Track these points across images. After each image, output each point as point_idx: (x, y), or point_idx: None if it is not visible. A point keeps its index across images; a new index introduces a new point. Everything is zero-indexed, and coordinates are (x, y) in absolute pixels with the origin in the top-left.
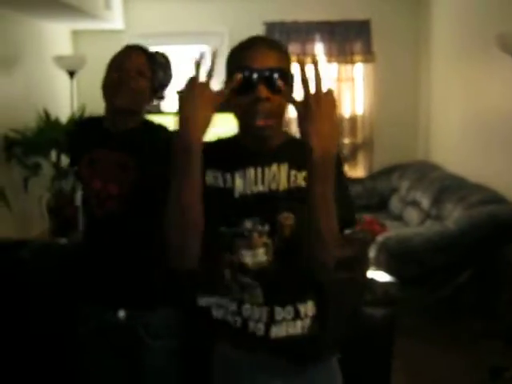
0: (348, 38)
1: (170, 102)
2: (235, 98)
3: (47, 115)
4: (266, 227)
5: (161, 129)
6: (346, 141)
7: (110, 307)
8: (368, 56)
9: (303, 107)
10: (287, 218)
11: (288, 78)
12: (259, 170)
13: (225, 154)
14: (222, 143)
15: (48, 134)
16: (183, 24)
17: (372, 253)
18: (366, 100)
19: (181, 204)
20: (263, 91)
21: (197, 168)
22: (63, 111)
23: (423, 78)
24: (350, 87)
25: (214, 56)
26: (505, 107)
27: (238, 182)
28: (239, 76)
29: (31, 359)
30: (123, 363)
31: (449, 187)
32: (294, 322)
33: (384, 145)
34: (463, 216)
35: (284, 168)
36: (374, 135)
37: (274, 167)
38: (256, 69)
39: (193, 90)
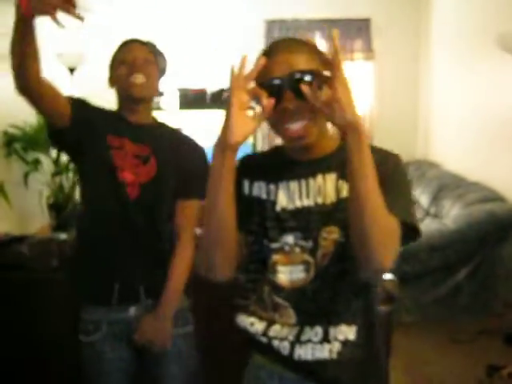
0: (348, 35)
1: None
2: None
3: None
4: (310, 244)
5: (175, 131)
6: None
7: (125, 303)
8: (368, 54)
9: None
10: (332, 232)
11: (318, 79)
12: (303, 182)
13: (271, 164)
14: (269, 153)
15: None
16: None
17: None
18: (366, 98)
19: (212, 204)
20: (290, 100)
21: (230, 170)
22: None
23: (423, 76)
24: (350, 85)
25: (244, 62)
26: (505, 106)
27: (281, 195)
28: (271, 101)
29: (30, 358)
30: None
31: (447, 185)
32: (321, 345)
33: (383, 143)
34: (462, 214)
35: (331, 179)
36: (374, 133)
37: (320, 178)
38: (279, 77)
39: (234, 94)
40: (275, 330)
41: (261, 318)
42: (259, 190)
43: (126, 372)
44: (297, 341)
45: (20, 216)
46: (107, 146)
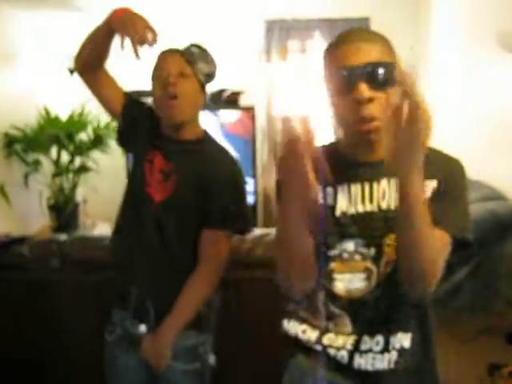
0: None
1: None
2: (334, 99)
3: (47, 112)
4: (372, 251)
5: (221, 153)
6: None
7: (137, 319)
8: None
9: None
10: (395, 239)
11: (393, 73)
12: (366, 185)
13: (330, 164)
14: (324, 151)
15: (48, 131)
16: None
17: None
18: None
19: (288, 239)
20: (365, 91)
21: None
22: (63, 108)
23: (422, 75)
24: None
25: (306, 122)
26: (505, 105)
27: (341, 199)
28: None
29: (30, 359)
30: (146, 372)
31: None
32: (381, 355)
33: None
34: None
35: (396, 183)
36: None
37: (384, 182)
38: (353, 66)
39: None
40: (329, 338)
41: (313, 326)
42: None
43: (133, 381)
44: (356, 350)
45: (20, 217)
46: (143, 157)
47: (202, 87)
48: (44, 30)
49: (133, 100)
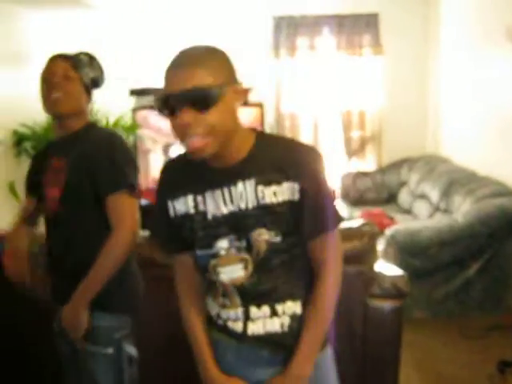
0: (357, 31)
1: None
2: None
3: None
4: (244, 243)
5: (99, 131)
6: (355, 134)
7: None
8: (377, 49)
9: None
10: (260, 234)
11: (212, 94)
12: (226, 190)
13: (193, 175)
14: (188, 163)
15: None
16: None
17: (381, 246)
18: (375, 93)
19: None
20: (185, 116)
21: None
22: None
23: (432, 70)
24: (359, 80)
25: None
26: None
27: (210, 204)
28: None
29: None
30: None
31: (458, 180)
32: (271, 319)
33: (393, 138)
34: (472, 209)
35: (250, 184)
36: (383, 128)
37: (240, 185)
38: (173, 93)
39: None
40: (227, 312)
41: (215, 303)
42: (185, 206)
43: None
44: (247, 319)
45: None
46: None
47: (87, 89)
48: (54, 28)
49: None
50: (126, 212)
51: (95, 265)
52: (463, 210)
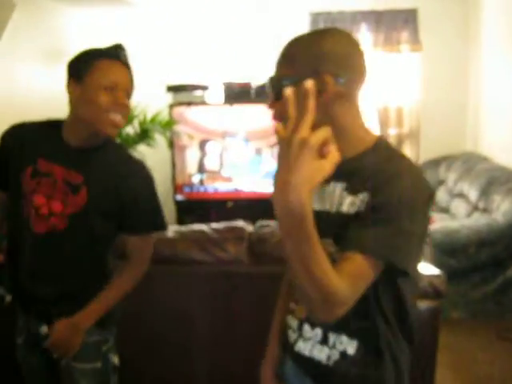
0: (395, 27)
1: None
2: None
3: None
4: None
5: (121, 148)
6: (392, 131)
7: (39, 320)
8: (415, 45)
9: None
10: (327, 246)
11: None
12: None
13: None
14: None
15: None
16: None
17: None
18: (413, 89)
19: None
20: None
21: (312, 231)
22: None
23: (473, 67)
24: (397, 76)
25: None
26: None
27: (322, 198)
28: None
29: None
30: (51, 376)
31: (497, 179)
32: (320, 345)
33: (431, 135)
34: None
35: (339, 189)
36: (421, 125)
37: (331, 186)
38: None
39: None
40: (291, 318)
41: (289, 306)
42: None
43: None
44: (301, 335)
45: None
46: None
47: None
48: (93, 25)
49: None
50: (150, 251)
51: (108, 290)
52: (502, 209)
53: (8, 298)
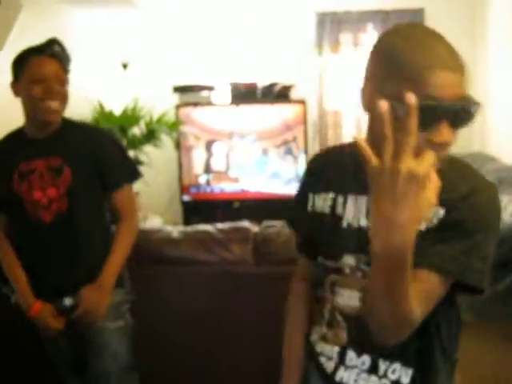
0: None
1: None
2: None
3: (102, 107)
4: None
5: (82, 126)
6: None
7: (57, 297)
8: None
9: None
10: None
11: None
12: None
13: (343, 172)
14: (339, 157)
15: (102, 126)
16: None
17: None
18: None
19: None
20: (448, 133)
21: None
22: (117, 103)
23: (480, 66)
24: None
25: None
26: None
27: (349, 209)
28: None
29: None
30: (73, 344)
31: (505, 179)
32: (368, 375)
33: None
34: None
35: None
36: None
37: None
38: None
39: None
40: (323, 346)
41: (315, 331)
42: (324, 202)
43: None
44: (341, 363)
45: None
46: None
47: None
48: (99, 27)
49: None
50: (134, 202)
51: (115, 251)
52: (510, 209)
53: (14, 297)
